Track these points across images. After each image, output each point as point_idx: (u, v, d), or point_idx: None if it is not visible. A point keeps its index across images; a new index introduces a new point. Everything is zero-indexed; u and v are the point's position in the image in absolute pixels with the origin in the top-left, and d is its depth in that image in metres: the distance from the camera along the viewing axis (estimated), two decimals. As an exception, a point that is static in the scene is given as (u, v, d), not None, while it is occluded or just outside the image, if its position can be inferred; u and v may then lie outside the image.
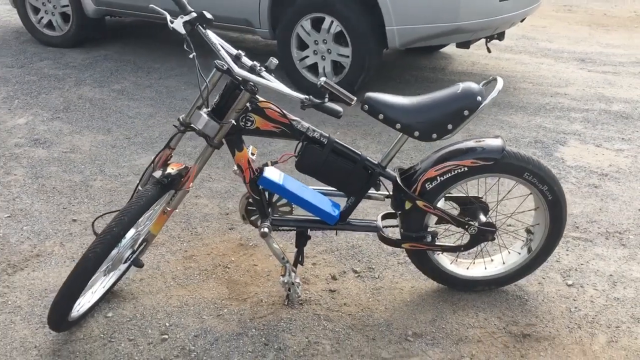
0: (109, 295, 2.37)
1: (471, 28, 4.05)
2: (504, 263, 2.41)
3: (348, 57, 4.30)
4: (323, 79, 1.91)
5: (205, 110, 2.02)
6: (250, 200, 2.24)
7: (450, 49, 5.68)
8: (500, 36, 4.72)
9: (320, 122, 4.10)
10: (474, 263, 2.44)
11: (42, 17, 5.63)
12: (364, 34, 4.17)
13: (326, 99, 1.92)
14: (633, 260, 2.65)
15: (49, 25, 5.65)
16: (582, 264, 2.62)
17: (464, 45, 4.48)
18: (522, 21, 4.93)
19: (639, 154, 3.67)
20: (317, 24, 4.36)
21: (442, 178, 2.14)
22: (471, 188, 2.45)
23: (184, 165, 2.15)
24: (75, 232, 2.80)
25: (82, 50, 5.60)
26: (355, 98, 1.94)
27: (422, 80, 4.98)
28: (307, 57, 4.49)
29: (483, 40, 4.75)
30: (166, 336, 2.20)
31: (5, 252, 2.65)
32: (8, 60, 5.27)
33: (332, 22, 4.25)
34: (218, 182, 3.29)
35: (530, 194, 2.26)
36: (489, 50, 4.88)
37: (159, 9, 2.03)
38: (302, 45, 4.49)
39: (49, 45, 5.69)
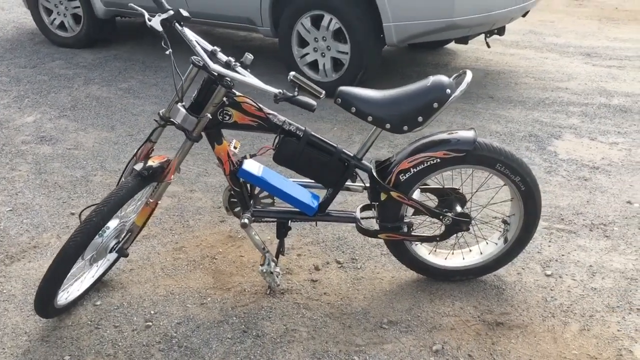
0: (99, 285, 2.47)
1: (467, 24, 4.07)
2: (481, 253, 2.45)
3: (347, 53, 4.35)
4: (292, 73, 1.98)
5: (181, 104, 2.09)
6: (232, 192, 2.32)
7: (455, 44, 5.70)
8: (501, 31, 4.73)
9: (319, 118, 4.16)
10: (452, 253, 2.49)
11: (54, 19, 5.79)
12: (362, 31, 4.22)
13: (296, 92, 1.98)
14: (615, 252, 2.66)
15: (61, 26, 5.81)
16: (563, 255, 2.64)
17: (462, 41, 4.50)
18: (524, 16, 4.93)
19: (633, 147, 3.66)
20: (317, 22, 4.42)
21: (415, 169, 2.19)
22: (456, 179, 2.49)
23: (166, 158, 2.23)
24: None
25: (93, 51, 5.74)
26: (323, 92, 2.00)
27: (425, 76, 4.98)
28: (307, 54, 4.55)
29: (483, 36, 4.76)
30: (150, 323, 2.28)
31: (5, 243, 2.76)
32: (22, 60, 5.43)
33: (330, 19, 4.31)
34: (213, 176, 3.38)
35: (504, 184, 2.30)
36: (488, 46, 4.89)
37: (138, 7, 2.12)
38: (303, 43, 4.56)
39: (61, 46, 5.85)
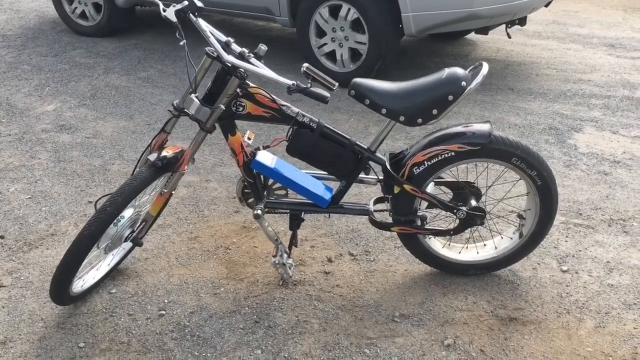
0: (114, 273, 2.49)
1: (487, 14, 4.01)
2: (496, 248, 2.42)
3: (365, 44, 4.32)
4: (305, 64, 1.97)
5: (195, 95, 2.09)
6: (246, 183, 2.32)
7: (475, 35, 5.63)
8: (522, 21, 4.65)
9: (336, 109, 4.15)
10: (466, 247, 2.47)
11: (75, 8, 5.83)
12: (381, 21, 4.19)
13: (309, 84, 1.97)
14: (633, 248, 2.62)
15: (82, 15, 5.84)
16: (580, 251, 2.61)
17: (483, 31, 4.44)
18: (546, 6, 4.85)
19: (656, 141, 3.60)
20: (335, 12, 4.39)
21: (429, 162, 2.18)
22: (472, 173, 2.47)
23: (180, 149, 2.24)
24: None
25: (114, 40, 5.78)
26: (336, 84, 1.99)
27: (444, 66, 4.94)
28: (325, 44, 4.53)
29: (504, 26, 4.69)
30: (164, 312, 2.31)
31: (24, 231, 2.81)
32: (43, 49, 5.49)
33: (349, 9, 4.28)
34: (229, 167, 3.39)
35: (520, 179, 2.27)
36: (509, 36, 4.81)
37: (153, -1, 2.12)
38: (321, 33, 4.53)
39: (82, 35, 5.89)
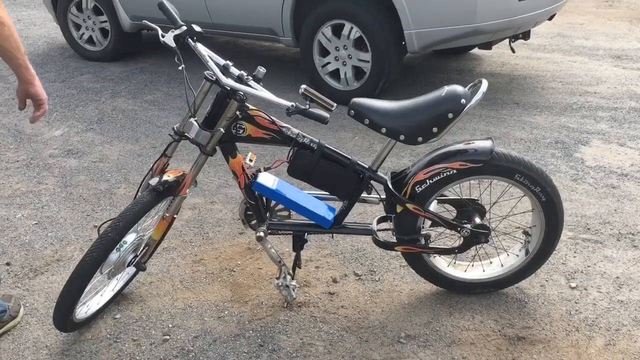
0: (119, 298, 2.49)
1: (490, 29, 4.01)
2: (502, 265, 2.39)
3: (368, 62, 4.33)
4: (303, 86, 1.97)
5: (194, 119, 2.10)
6: (248, 205, 2.31)
7: (480, 50, 5.63)
8: (526, 36, 4.64)
9: (340, 128, 4.15)
10: (472, 265, 2.44)
11: (83, 33, 5.91)
12: (383, 38, 4.20)
13: (307, 105, 1.97)
14: (643, 262, 2.58)
15: (90, 40, 5.93)
16: (588, 266, 2.57)
17: (486, 46, 4.44)
18: (550, 19, 4.84)
19: (664, 152, 3.56)
20: (337, 31, 4.42)
21: (431, 181, 2.16)
22: (476, 189, 2.45)
23: (181, 172, 2.24)
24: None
25: (121, 64, 5.84)
26: (334, 104, 1.99)
27: (449, 82, 4.90)
28: (329, 63, 4.55)
29: (508, 41, 4.69)
30: (168, 337, 2.29)
31: (30, 257, 2.81)
32: (52, 75, 5.56)
33: (351, 28, 4.30)
34: (234, 188, 3.39)
35: (524, 195, 2.24)
36: (513, 51, 4.80)
37: (151, 24, 2.14)
38: (324, 52, 4.55)
39: (90, 60, 5.97)
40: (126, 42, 5.85)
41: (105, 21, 5.73)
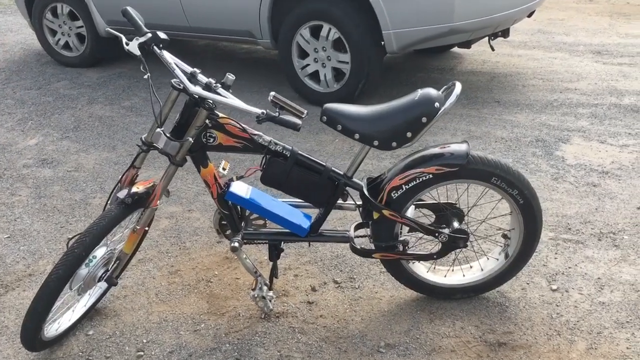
0: (92, 313, 2.42)
1: (468, 28, 3.98)
2: (482, 270, 2.35)
3: (348, 63, 4.28)
4: (272, 93, 1.91)
5: (161, 129, 2.04)
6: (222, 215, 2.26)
7: (460, 48, 5.60)
8: (505, 33, 4.62)
9: (320, 131, 4.10)
10: (452, 270, 2.40)
11: (59, 39, 5.82)
12: (362, 39, 4.15)
13: (277, 112, 1.92)
14: (624, 262, 2.55)
15: (66, 46, 5.83)
16: (569, 268, 2.54)
17: (465, 45, 4.40)
18: (529, 16, 4.82)
19: (645, 149, 3.54)
20: (316, 32, 4.36)
21: (407, 186, 2.11)
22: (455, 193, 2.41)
23: (151, 183, 2.18)
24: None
25: (99, 69, 5.75)
26: (305, 111, 1.94)
27: (430, 81, 4.92)
28: (308, 65, 4.49)
29: (487, 39, 4.66)
30: (142, 353, 2.23)
31: (0, 272, 2.74)
32: (27, 82, 5.46)
33: (329, 29, 4.25)
34: (212, 195, 3.32)
35: (502, 198, 2.20)
36: (492, 49, 4.77)
37: (115, 32, 2.08)
38: (303, 54, 4.50)
39: (67, 66, 5.87)
40: (103, 48, 5.75)
41: (82, 26, 5.63)
